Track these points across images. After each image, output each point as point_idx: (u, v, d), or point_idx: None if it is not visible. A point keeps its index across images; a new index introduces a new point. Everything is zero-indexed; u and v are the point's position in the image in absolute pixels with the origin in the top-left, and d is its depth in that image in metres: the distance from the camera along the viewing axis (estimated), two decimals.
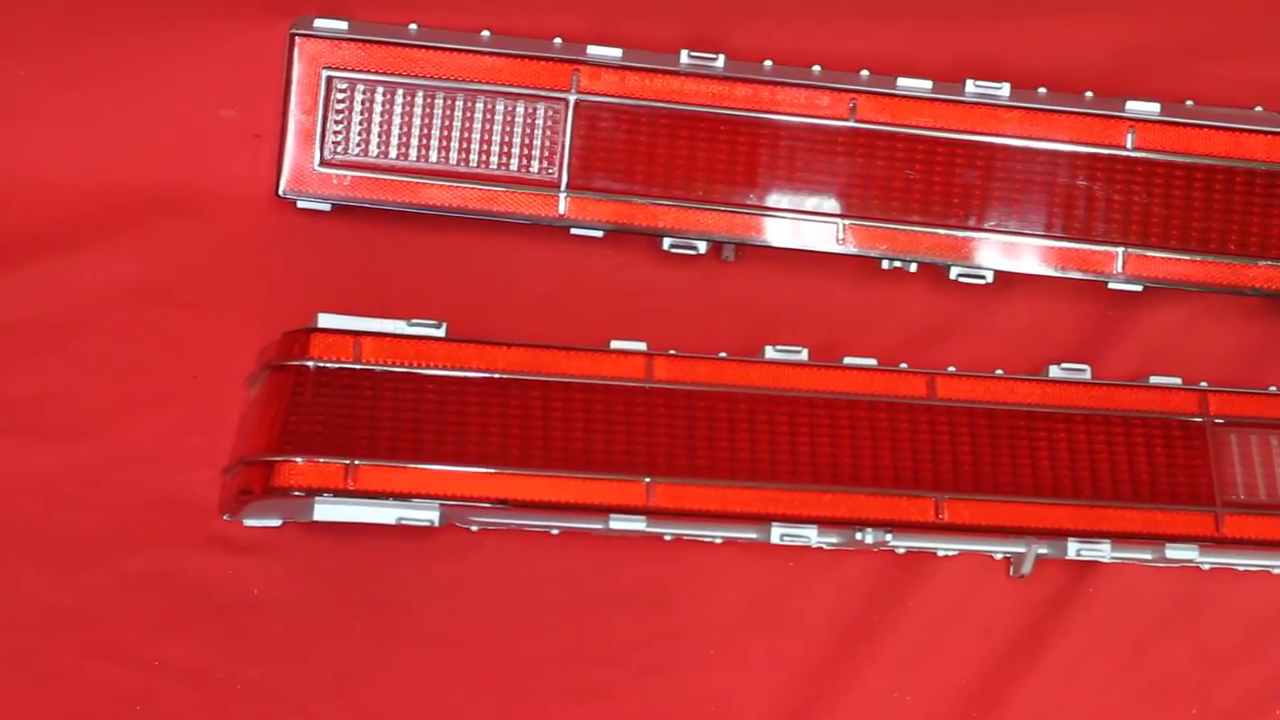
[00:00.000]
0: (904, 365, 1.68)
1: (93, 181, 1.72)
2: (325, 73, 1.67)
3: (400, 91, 1.68)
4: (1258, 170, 1.69)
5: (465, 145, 1.68)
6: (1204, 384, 1.70)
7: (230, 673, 1.66)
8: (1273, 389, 1.71)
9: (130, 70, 1.72)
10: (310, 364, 1.60)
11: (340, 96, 1.67)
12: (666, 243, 1.69)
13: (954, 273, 1.70)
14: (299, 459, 1.57)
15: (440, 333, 1.63)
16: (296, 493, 1.57)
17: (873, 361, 1.67)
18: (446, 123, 1.67)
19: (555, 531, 1.66)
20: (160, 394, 1.70)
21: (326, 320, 1.62)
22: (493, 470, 1.59)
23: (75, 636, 1.66)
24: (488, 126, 1.68)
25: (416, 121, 1.68)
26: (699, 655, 1.69)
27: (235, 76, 1.73)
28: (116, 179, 1.72)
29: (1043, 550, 1.67)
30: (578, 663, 1.68)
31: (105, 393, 1.70)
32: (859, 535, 1.62)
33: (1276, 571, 1.71)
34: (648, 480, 1.60)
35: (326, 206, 1.69)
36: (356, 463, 1.58)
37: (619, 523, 1.61)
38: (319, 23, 1.68)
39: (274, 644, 1.67)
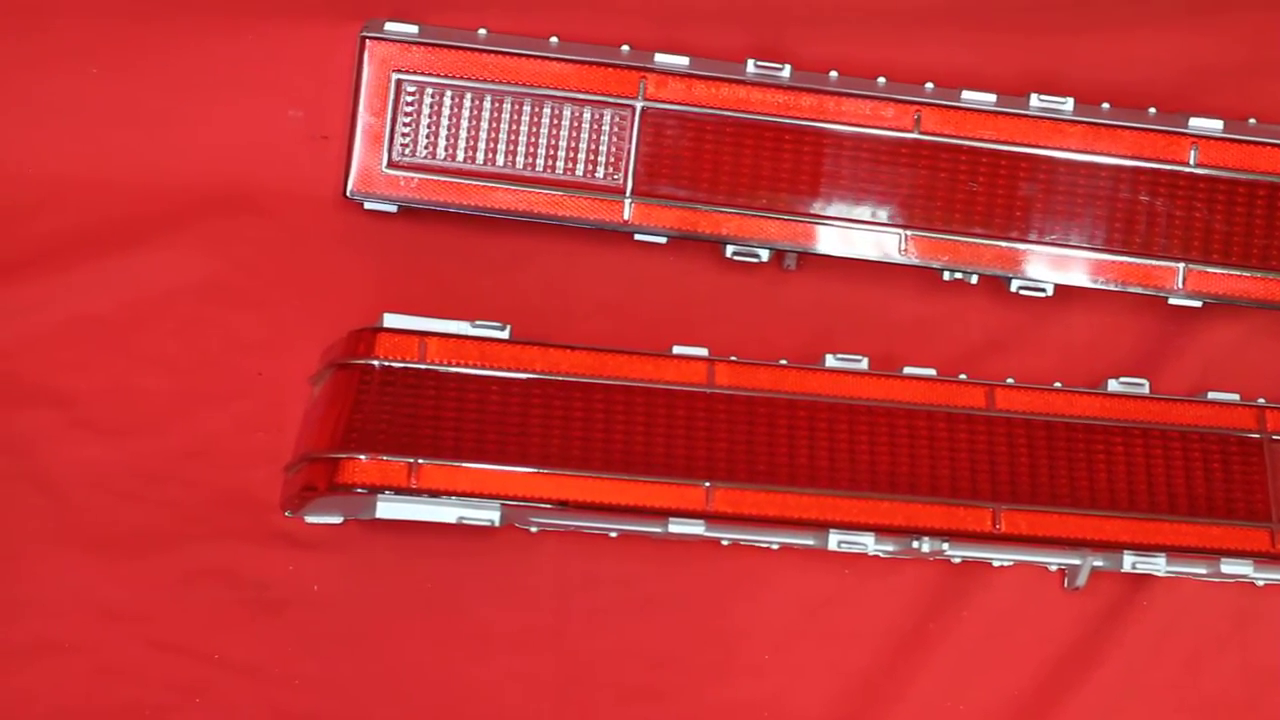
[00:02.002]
0: (963, 376, 1.69)
1: (160, 180, 1.73)
2: (395, 76, 1.68)
3: (468, 95, 1.69)
4: None
5: (532, 150, 1.69)
6: (1262, 400, 1.71)
7: (289, 668, 1.68)
8: None
9: (199, 70, 1.73)
10: (376, 363, 1.62)
11: (409, 99, 1.69)
12: (729, 250, 1.70)
13: (1014, 285, 1.71)
14: (363, 457, 1.58)
15: (504, 335, 1.64)
16: (360, 490, 1.58)
17: (932, 372, 1.68)
18: (513, 127, 1.69)
19: (614, 534, 1.68)
20: (223, 390, 1.71)
21: (392, 320, 1.63)
22: (554, 472, 1.60)
23: (136, 630, 1.67)
24: (554, 131, 1.69)
25: (484, 125, 1.69)
26: (753, 660, 1.70)
27: (303, 78, 1.74)
28: (183, 178, 1.73)
29: (1098, 563, 1.67)
30: (632, 665, 1.69)
31: (168, 389, 1.71)
32: (915, 544, 1.63)
33: None
34: (707, 485, 1.62)
35: (393, 208, 1.71)
36: (420, 461, 1.59)
37: (678, 526, 1.62)
38: (390, 26, 1.69)
39: (333, 640, 1.68)
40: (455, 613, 1.69)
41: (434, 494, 1.59)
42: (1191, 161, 1.70)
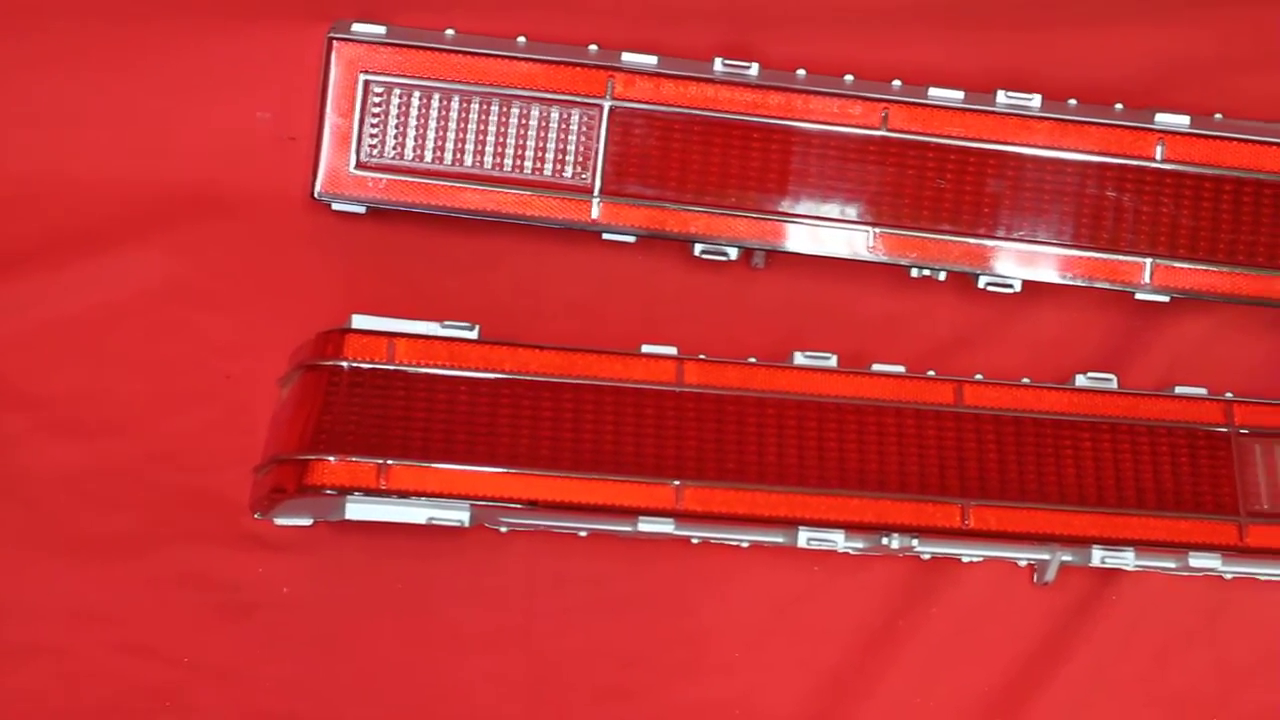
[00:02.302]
0: (932, 373, 1.69)
1: (128, 182, 1.73)
2: (362, 76, 1.68)
3: (436, 96, 1.69)
4: None
5: (500, 150, 1.69)
6: (1229, 394, 1.71)
7: (260, 670, 1.68)
8: None
9: (167, 72, 1.73)
10: (344, 364, 1.62)
11: (377, 100, 1.69)
12: (698, 248, 1.70)
13: (982, 282, 1.71)
14: (332, 458, 1.58)
15: (473, 335, 1.64)
16: (329, 491, 1.58)
17: (901, 369, 1.69)
18: (482, 127, 1.69)
19: (583, 533, 1.68)
20: (192, 393, 1.71)
21: (361, 321, 1.63)
22: (523, 471, 1.60)
23: (106, 633, 1.67)
24: (522, 131, 1.69)
25: (452, 126, 1.69)
26: (723, 658, 1.71)
27: (271, 79, 1.74)
28: (151, 180, 1.73)
29: (1067, 558, 1.68)
30: (603, 664, 1.70)
31: (137, 391, 1.71)
32: (885, 540, 1.64)
33: None
34: (677, 483, 1.62)
35: (361, 209, 1.71)
36: (389, 462, 1.59)
37: (647, 525, 1.62)
38: (357, 27, 1.69)
39: (303, 642, 1.68)
40: (425, 613, 1.69)
41: (403, 495, 1.59)
42: (1158, 157, 1.71)
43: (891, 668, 1.71)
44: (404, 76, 1.68)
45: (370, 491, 1.59)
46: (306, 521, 1.68)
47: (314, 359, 1.63)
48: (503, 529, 1.68)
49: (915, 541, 1.64)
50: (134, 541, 1.69)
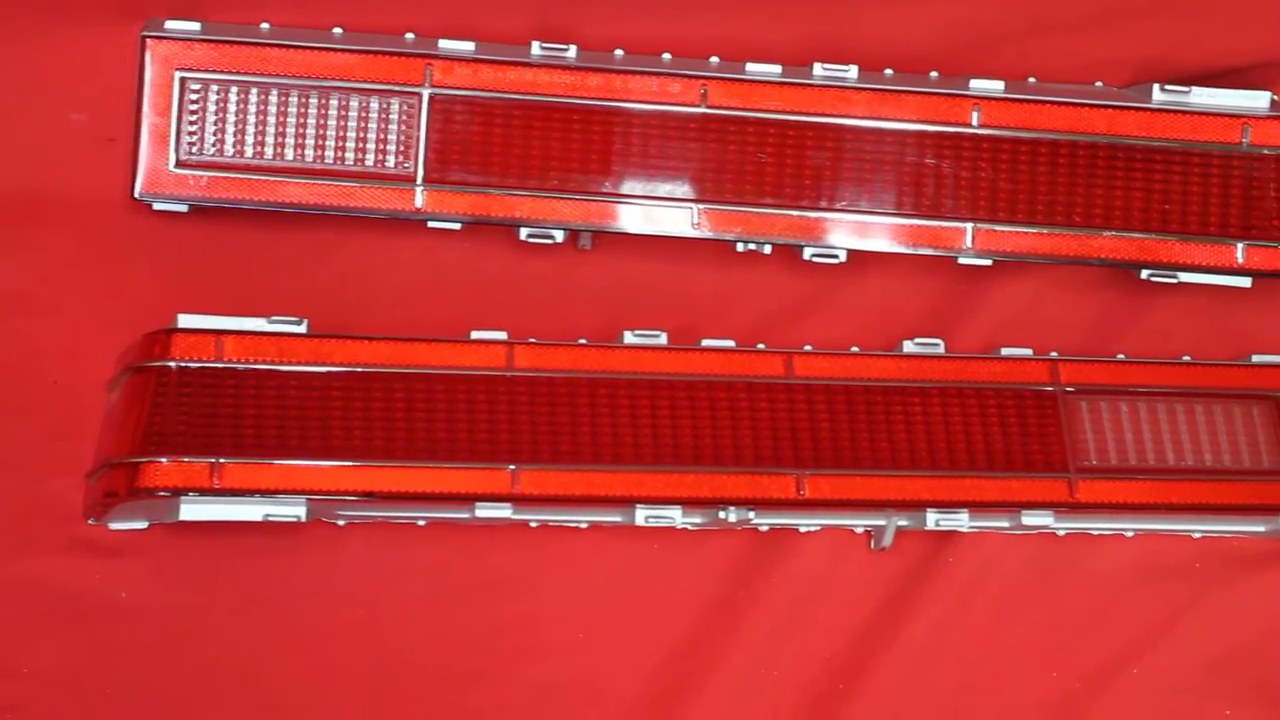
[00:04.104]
0: (761, 346, 1.70)
1: None
2: (178, 74, 1.67)
3: (254, 90, 1.68)
4: (1099, 143, 1.73)
5: (321, 142, 1.68)
6: (1055, 354, 1.74)
7: (101, 678, 1.66)
8: (1121, 356, 1.75)
9: None
10: (172, 364, 1.61)
11: (194, 97, 1.67)
12: (524, 233, 1.70)
13: (808, 253, 1.73)
14: (163, 459, 1.57)
15: (301, 329, 1.64)
16: (162, 493, 1.57)
17: (730, 343, 1.70)
18: (302, 120, 1.68)
19: (422, 523, 1.68)
20: (20, 401, 1.69)
21: (187, 320, 1.62)
22: (357, 464, 1.60)
23: None
24: (343, 123, 1.69)
25: (271, 120, 1.68)
26: (568, 639, 1.71)
27: (86, 80, 1.72)
28: None
29: (902, 522, 1.70)
30: (448, 651, 1.70)
31: None
32: (722, 514, 1.65)
33: (1130, 535, 1.75)
34: (512, 468, 1.62)
35: (184, 208, 1.69)
36: (221, 461, 1.58)
37: (485, 511, 1.62)
38: (170, 24, 1.67)
39: (145, 647, 1.67)
40: (267, 611, 1.68)
41: (237, 493, 1.58)
42: (974, 123, 1.73)
43: (735, 640, 1.72)
44: (220, 72, 1.67)
45: (204, 491, 1.58)
46: (142, 525, 1.66)
47: (141, 361, 1.61)
48: (341, 523, 1.68)
49: (752, 514, 1.65)
50: None
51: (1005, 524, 1.71)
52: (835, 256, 1.73)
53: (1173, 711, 1.74)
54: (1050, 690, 1.74)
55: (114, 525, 1.66)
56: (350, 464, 1.60)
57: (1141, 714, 1.74)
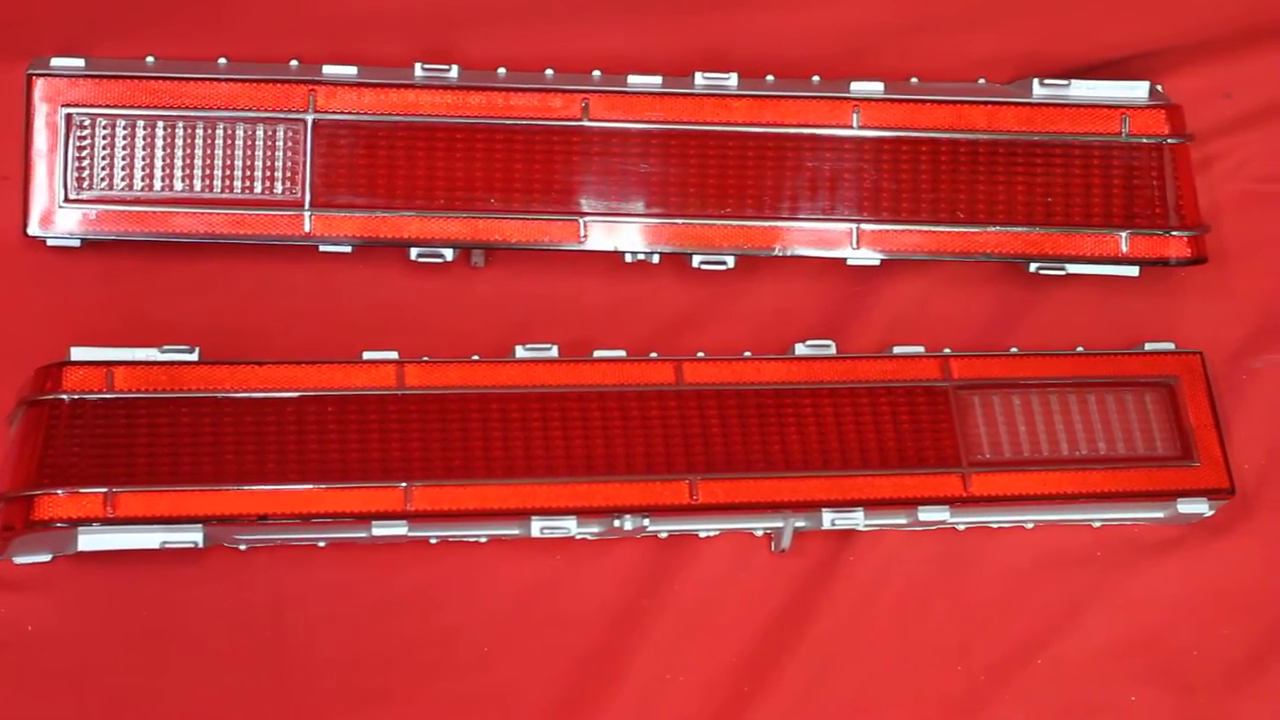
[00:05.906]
0: (654, 354, 1.72)
1: None
2: (64, 110, 1.69)
3: (141, 123, 1.70)
4: (980, 140, 1.75)
5: (209, 172, 1.70)
6: (946, 350, 1.75)
7: (9, 711, 1.67)
8: (1012, 350, 1.77)
9: None
10: (65, 397, 1.62)
11: (82, 133, 1.69)
12: (414, 253, 1.72)
13: (696, 261, 1.74)
14: (58, 491, 1.59)
15: (193, 357, 1.65)
16: (58, 525, 1.59)
17: (621, 353, 1.71)
18: (189, 151, 1.70)
19: (322, 544, 1.69)
20: None
21: (79, 353, 1.64)
22: (250, 488, 1.62)
23: None
24: (229, 152, 1.70)
25: (159, 152, 1.70)
26: (474, 654, 1.72)
27: None
28: None
29: (800, 523, 1.71)
30: (355, 671, 1.70)
31: None
32: (617, 522, 1.66)
33: (1030, 527, 1.76)
34: (404, 485, 1.63)
35: (76, 243, 1.71)
36: (115, 491, 1.60)
37: (381, 529, 1.64)
38: (56, 61, 1.69)
39: (51, 678, 1.68)
40: (172, 638, 1.69)
41: (133, 522, 1.60)
42: (855, 124, 1.74)
43: (640, 648, 1.72)
44: (107, 107, 1.69)
45: (100, 521, 1.59)
46: (45, 557, 1.67)
47: (35, 395, 1.63)
48: (242, 547, 1.69)
49: (647, 521, 1.67)
50: None
51: (903, 520, 1.72)
52: (723, 263, 1.74)
53: (1077, 699, 1.75)
54: (956, 683, 1.75)
55: (17, 560, 1.67)
56: (243, 488, 1.62)
57: (1047, 703, 1.74)
